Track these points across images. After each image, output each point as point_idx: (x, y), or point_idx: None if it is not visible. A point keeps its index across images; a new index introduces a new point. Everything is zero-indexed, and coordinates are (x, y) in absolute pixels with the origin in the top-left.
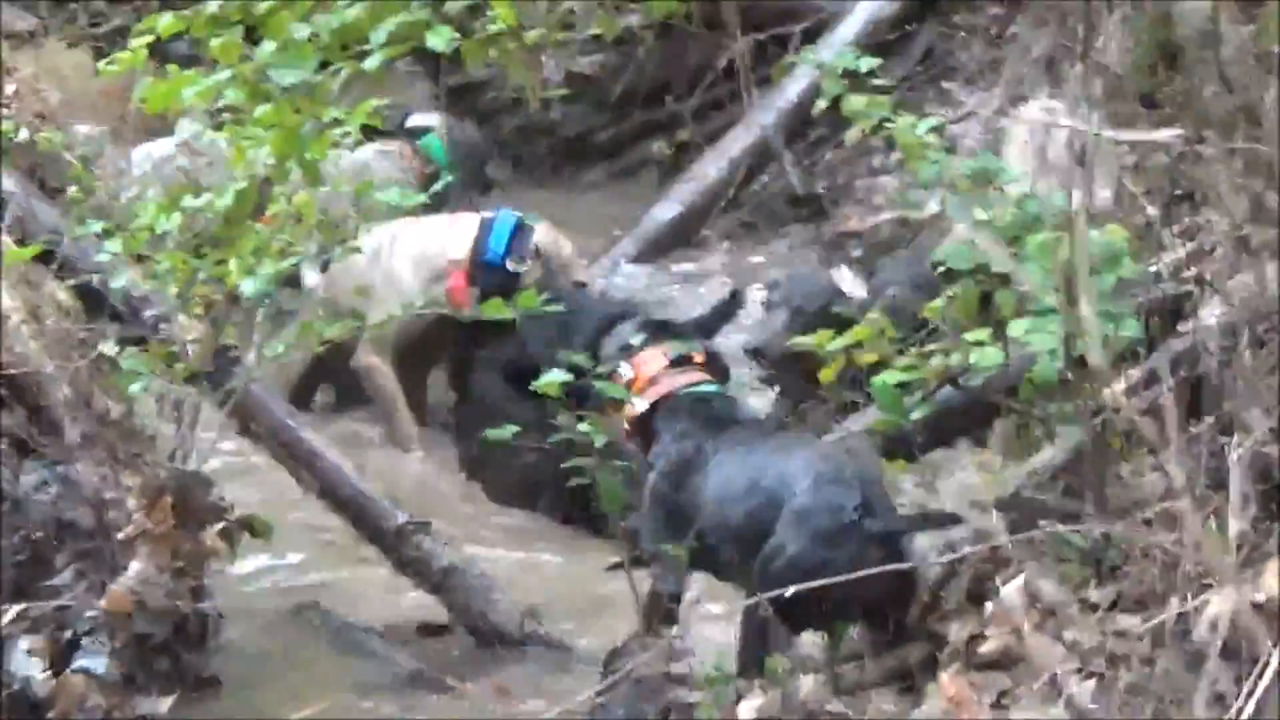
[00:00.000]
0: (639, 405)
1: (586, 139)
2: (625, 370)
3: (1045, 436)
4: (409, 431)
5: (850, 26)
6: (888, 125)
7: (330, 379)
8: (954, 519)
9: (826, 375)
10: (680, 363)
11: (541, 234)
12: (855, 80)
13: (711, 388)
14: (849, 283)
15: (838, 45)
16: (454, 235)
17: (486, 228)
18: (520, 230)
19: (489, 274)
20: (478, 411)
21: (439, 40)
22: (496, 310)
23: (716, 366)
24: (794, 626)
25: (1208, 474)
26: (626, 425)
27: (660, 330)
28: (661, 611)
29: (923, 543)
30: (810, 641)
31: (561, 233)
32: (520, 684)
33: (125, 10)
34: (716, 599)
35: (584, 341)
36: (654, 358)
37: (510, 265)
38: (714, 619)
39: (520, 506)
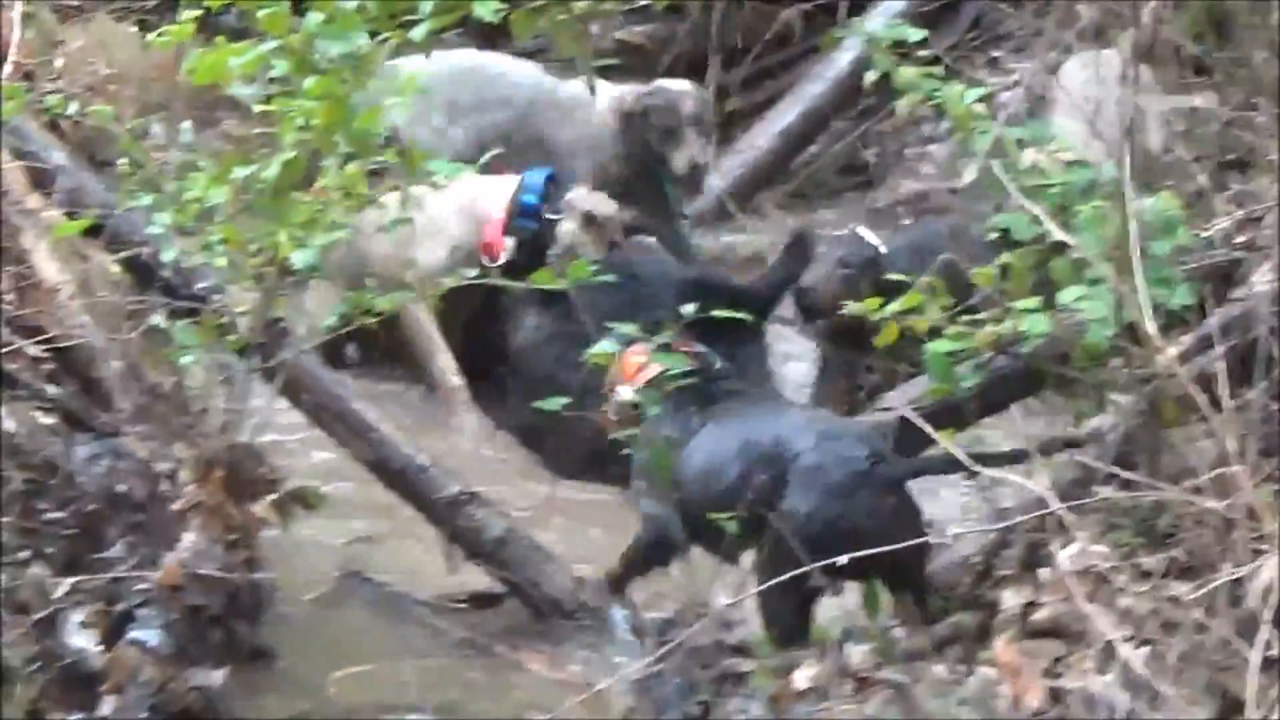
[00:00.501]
0: (624, 394)
1: None
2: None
3: (1097, 404)
4: (452, 378)
5: None
6: (937, 95)
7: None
8: (955, 465)
9: (881, 341)
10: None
11: (581, 193)
12: (904, 51)
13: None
14: (870, 239)
15: (887, 14)
16: (495, 189)
17: (523, 181)
18: (554, 181)
19: (523, 219)
20: (527, 379)
21: (486, 10)
22: (547, 280)
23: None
24: (816, 587)
25: (1260, 440)
26: (614, 416)
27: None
28: (639, 563)
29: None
30: (858, 611)
31: (603, 197)
32: (572, 654)
33: None
34: None
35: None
36: (641, 350)
37: (547, 214)
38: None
39: (584, 479)
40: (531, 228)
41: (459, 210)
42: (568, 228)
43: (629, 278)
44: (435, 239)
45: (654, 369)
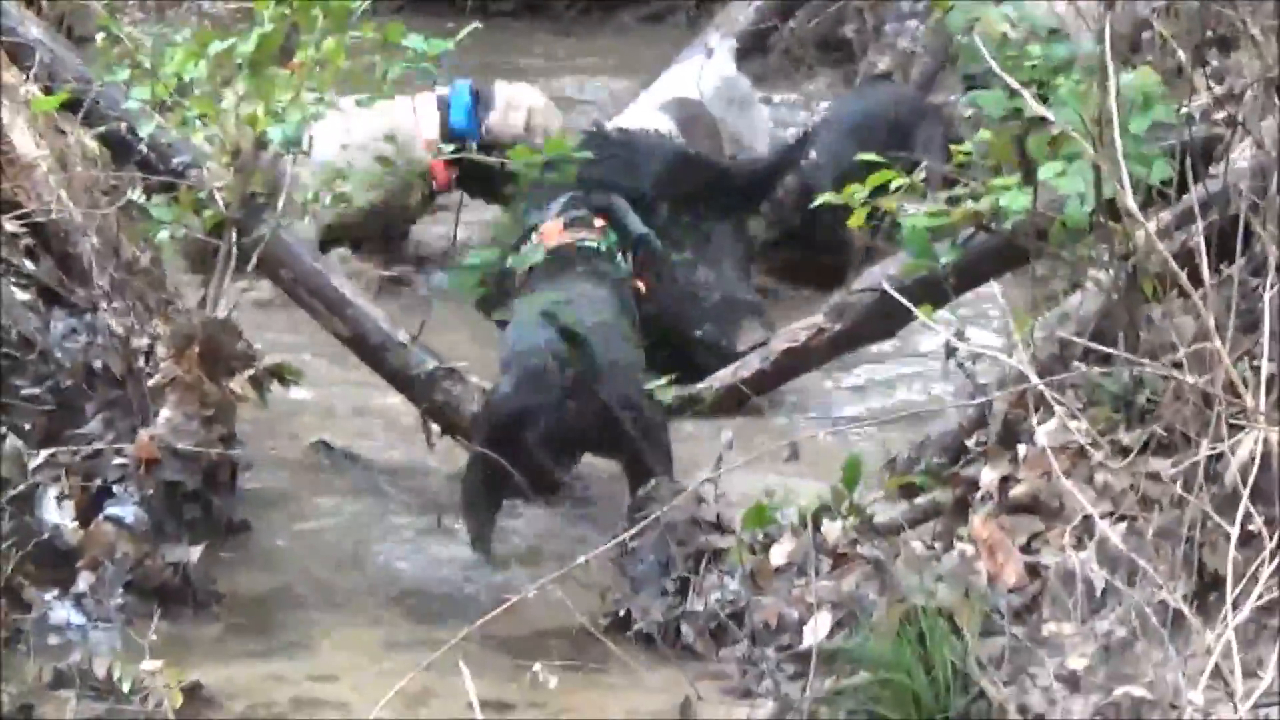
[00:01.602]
0: (532, 259)
1: None
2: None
3: (1076, 280)
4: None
5: None
6: None
7: None
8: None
9: (854, 222)
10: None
11: (513, 98)
12: None
13: (591, 244)
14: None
15: None
16: (421, 116)
17: (446, 104)
18: (478, 97)
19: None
20: None
21: None
22: (523, 155)
23: (616, 225)
24: (513, 469)
25: (1239, 315)
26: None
27: (585, 203)
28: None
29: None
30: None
31: (530, 90)
32: (551, 528)
33: None
34: (747, 447)
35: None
36: (556, 226)
37: (484, 133)
38: (743, 464)
39: None
40: (468, 130)
41: (400, 141)
42: (512, 128)
43: (615, 150)
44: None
45: (561, 238)
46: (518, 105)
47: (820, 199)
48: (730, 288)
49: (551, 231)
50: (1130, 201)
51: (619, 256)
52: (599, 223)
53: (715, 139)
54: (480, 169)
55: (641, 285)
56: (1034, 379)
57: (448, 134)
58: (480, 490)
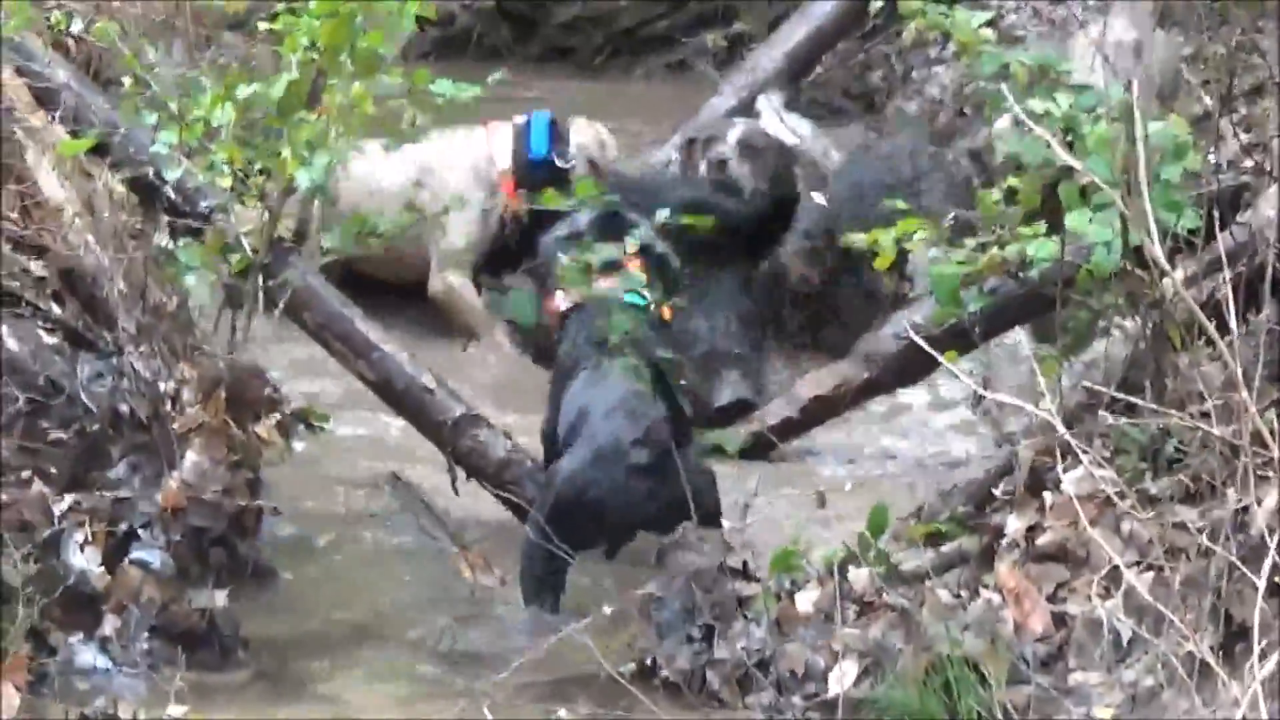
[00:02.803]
0: (560, 303)
1: (641, 30)
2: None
3: (1103, 328)
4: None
5: None
6: (944, 20)
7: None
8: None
9: (881, 264)
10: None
11: (582, 131)
12: None
13: (632, 295)
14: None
15: None
16: (496, 144)
17: (524, 130)
18: (556, 127)
19: (536, 173)
20: None
21: None
22: (551, 201)
23: (650, 259)
24: (570, 542)
25: (1266, 365)
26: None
27: (611, 224)
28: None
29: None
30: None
31: (601, 129)
32: (577, 576)
33: None
34: (778, 491)
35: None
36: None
37: (558, 161)
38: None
39: None
40: (543, 179)
41: (474, 174)
42: (578, 174)
43: (627, 194)
44: (459, 214)
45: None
46: (592, 140)
47: (847, 240)
48: (722, 341)
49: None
50: (1158, 250)
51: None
52: (634, 263)
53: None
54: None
55: (667, 312)
56: (1061, 429)
57: (523, 162)
58: (540, 558)
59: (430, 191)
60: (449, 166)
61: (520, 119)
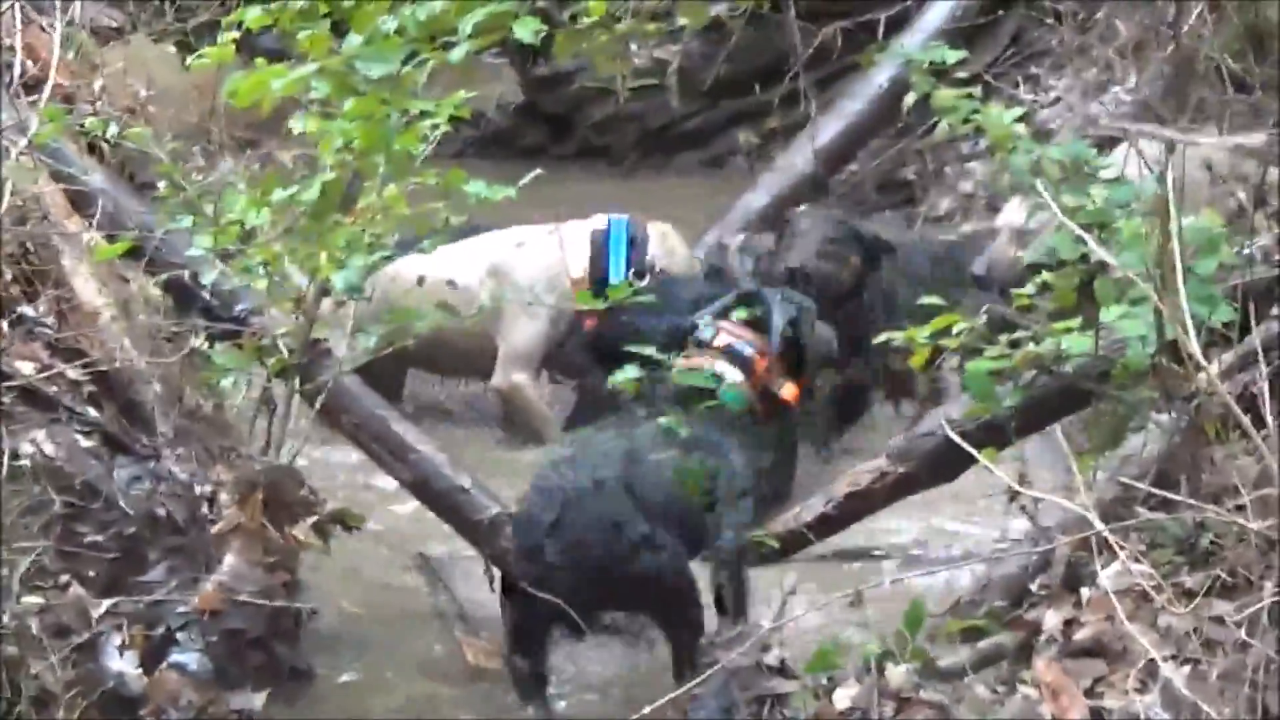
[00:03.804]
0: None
1: (674, 127)
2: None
3: (1138, 423)
4: None
5: (937, 12)
6: (976, 117)
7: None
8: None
9: (916, 361)
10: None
11: (656, 243)
12: (943, 70)
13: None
14: None
15: (925, 31)
16: (572, 250)
17: (601, 243)
18: (635, 243)
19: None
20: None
21: (526, 32)
22: (586, 300)
23: (788, 343)
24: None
25: None
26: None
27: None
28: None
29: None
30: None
31: (671, 234)
32: (613, 674)
33: (211, 4)
34: (810, 591)
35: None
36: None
37: (634, 280)
38: (808, 608)
39: None
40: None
41: (547, 279)
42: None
43: (665, 295)
44: (529, 315)
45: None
46: (671, 250)
47: (882, 337)
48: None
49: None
50: (1193, 345)
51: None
52: (744, 333)
53: None
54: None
55: (790, 391)
56: (1098, 524)
57: (599, 273)
58: (519, 629)
59: (500, 289)
60: (522, 267)
61: (599, 225)
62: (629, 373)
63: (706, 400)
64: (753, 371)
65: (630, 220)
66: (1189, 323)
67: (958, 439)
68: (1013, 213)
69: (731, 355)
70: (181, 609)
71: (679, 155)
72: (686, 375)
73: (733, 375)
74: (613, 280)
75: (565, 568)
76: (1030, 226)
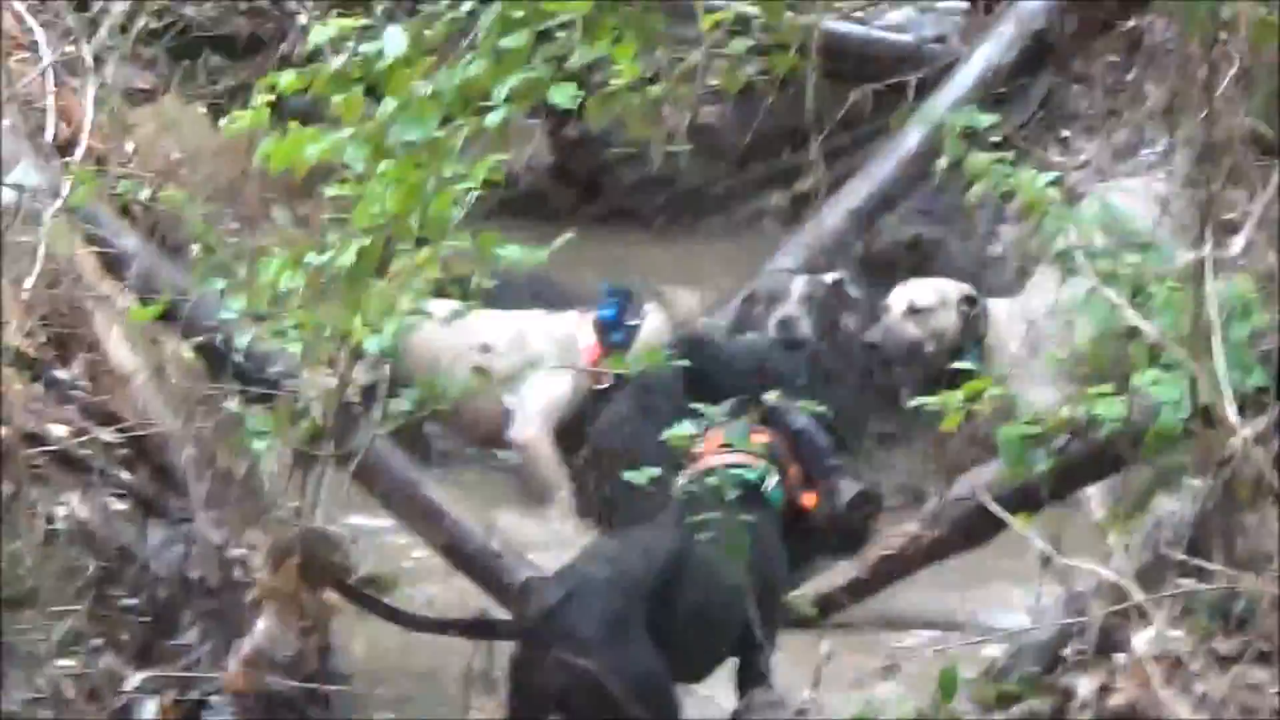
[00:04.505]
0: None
1: (705, 190)
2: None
3: (1171, 487)
4: (568, 520)
5: (967, 74)
6: (1008, 182)
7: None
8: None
9: (949, 425)
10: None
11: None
12: (974, 134)
13: (741, 472)
14: None
15: (955, 93)
16: (584, 325)
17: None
18: (627, 295)
19: (611, 333)
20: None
21: (562, 97)
22: (617, 365)
23: (796, 442)
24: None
25: None
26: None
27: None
28: None
29: None
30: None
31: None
32: None
33: (243, 66)
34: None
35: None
36: (715, 436)
37: (629, 321)
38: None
39: None
40: (619, 340)
41: (561, 344)
42: (651, 325)
43: (707, 356)
44: (548, 383)
45: (704, 462)
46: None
47: (914, 402)
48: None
49: (711, 443)
50: (1230, 408)
51: (772, 482)
52: (761, 438)
53: None
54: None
55: (810, 499)
56: (1133, 591)
57: (603, 332)
58: (514, 704)
59: (519, 355)
60: (540, 333)
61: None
62: (646, 474)
63: (747, 498)
64: (786, 474)
65: (623, 297)
66: (1226, 387)
67: (991, 504)
68: (914, 290)
69: (771, 455)
70: (214, 674)
71: (709, 218)
72: (727, 474)
73: (772, 475)
74: (608, 317)
75: (552, 660)
76: (927, 305)
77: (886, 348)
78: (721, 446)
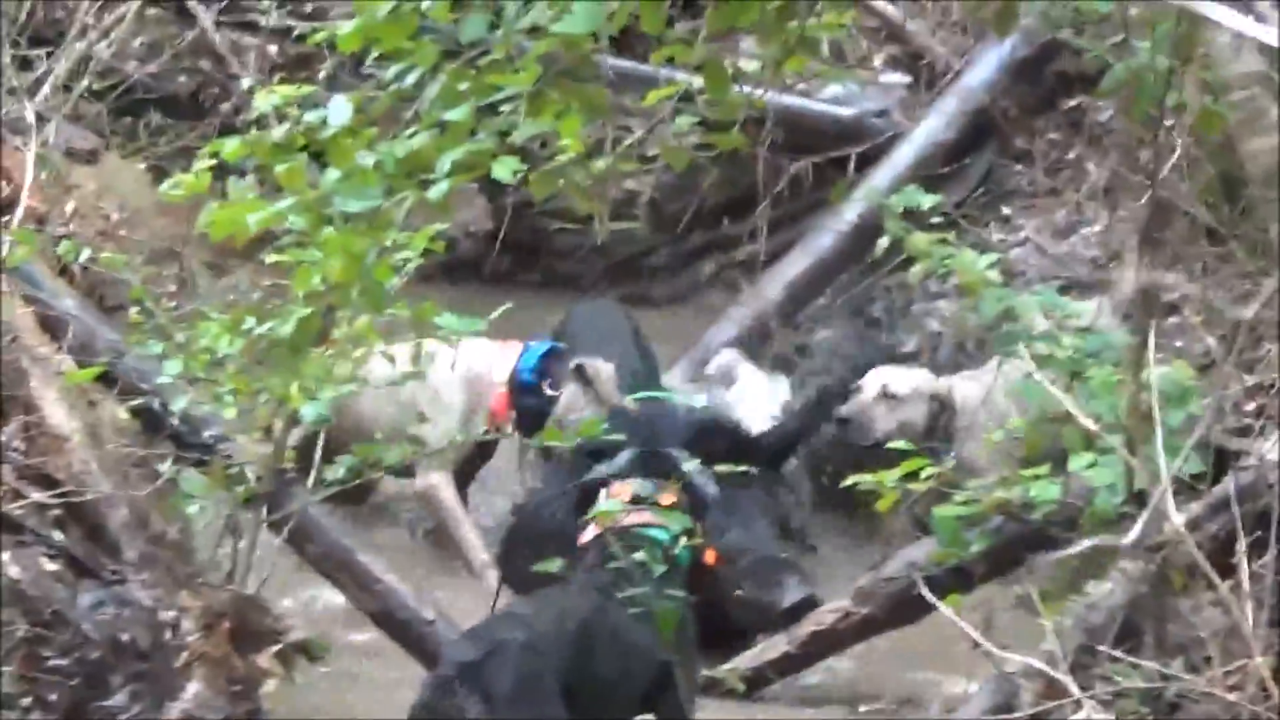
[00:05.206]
0: (586, 535)
1: (643, 258)
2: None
3: (1104, 571)
4: (480, 554)
5: (909, 149)
6: (949, 261)
7: None
8: None
9: (884, 506)
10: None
11: (590, 364)
12: (914, 211)
13: (655, 531)
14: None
15: (896, 168)
16: (499, 357)
17: (523, 353)
18: (553, 354)
19: (524, 396)
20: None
21: (504, 172)
22: (554, 438)
23: (694, 498)
24: None
25: (1270, 610)
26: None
27: (653, 462)
28: None
29: None
30: None
31: (603, 364)
32: None
33: (186, 125)
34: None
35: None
36: (621, 492)
37: (546, 389)
38: None
39: None
40: (531, 404)
41: (465, 380)
42: (568, 393)
43: (637, 426)
44: (443, 413)
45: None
46: (592, 374)
47: (850, 480)
48: (768, 547)
49: (621, 493)
50: (1167, 496)
51: (681, 539)
52: (668, 498)
53: None
54: (537, 417)
55: (711, 555)
56: (1062, 677)
57: (516, 383)
58: None
59: (418, 391)
60: (442, 369)
61: (533, 342)
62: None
63: (657, 555)
64: (693, 532)
65: (555, 346)
66: (1165, 472)
67: (922, 587)
68: (889, 375)
69: (680, 514)
70: None
71: (647, 286)
72: (642, 534)
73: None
74: (524, 379)
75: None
76: (901, 393)
77: (852, 428)
78: (633, 501)
